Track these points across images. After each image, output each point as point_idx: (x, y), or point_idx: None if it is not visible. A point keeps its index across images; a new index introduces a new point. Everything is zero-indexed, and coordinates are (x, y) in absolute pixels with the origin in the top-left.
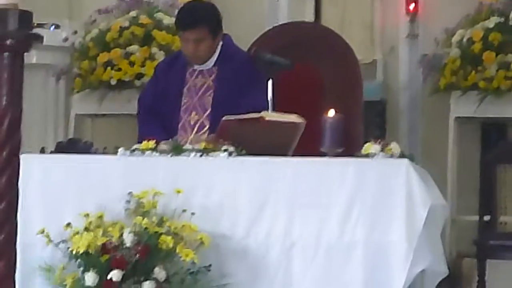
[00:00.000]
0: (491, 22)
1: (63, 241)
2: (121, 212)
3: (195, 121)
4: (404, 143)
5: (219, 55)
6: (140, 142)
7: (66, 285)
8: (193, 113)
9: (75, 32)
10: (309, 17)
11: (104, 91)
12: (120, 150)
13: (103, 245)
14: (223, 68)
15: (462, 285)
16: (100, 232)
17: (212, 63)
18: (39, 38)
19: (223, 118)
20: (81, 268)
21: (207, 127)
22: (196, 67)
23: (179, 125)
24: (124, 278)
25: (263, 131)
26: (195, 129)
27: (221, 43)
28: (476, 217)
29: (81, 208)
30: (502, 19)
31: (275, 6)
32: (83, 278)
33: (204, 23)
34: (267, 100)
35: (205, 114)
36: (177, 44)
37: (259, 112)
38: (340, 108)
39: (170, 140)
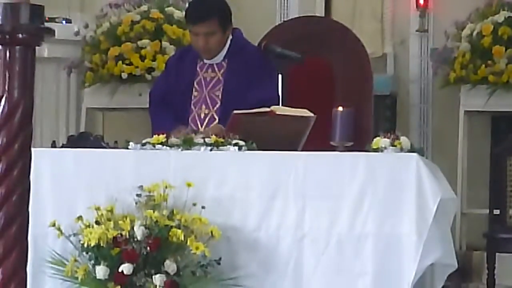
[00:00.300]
0: (501, 16)
1: (74, 234)
2: (132, 205)
3: (205, 114)
4: (414, 136)
5: (228, 49)
6: (154, 134)
7: (77, 277)
8: (203, 106)
9: (87, 26)
10: (320, 10)
11: (115, 85)
12: (131, 143)
13: (114, 238)
14: (233, 62)
15: (471, 278)
16: (111, 225)
17: (222, 57)
18: (51, 31)
19: (234, 112)
20: (92, 261)
21: (217, 121)
22: (206, 61)
23: (189, 118)
24: (135, 271)
25: (274, 125)
26: (205, 123)
27: (231, 37)
28: (486, 211)
29: (92, 201)
30: None
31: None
32: (94, 271)
33: (214, 17)
34: (277, 93)
35: (215, 108)
36: (187, 38)
37: (269, 104)
38: (350, 102)
39: (182, 129)
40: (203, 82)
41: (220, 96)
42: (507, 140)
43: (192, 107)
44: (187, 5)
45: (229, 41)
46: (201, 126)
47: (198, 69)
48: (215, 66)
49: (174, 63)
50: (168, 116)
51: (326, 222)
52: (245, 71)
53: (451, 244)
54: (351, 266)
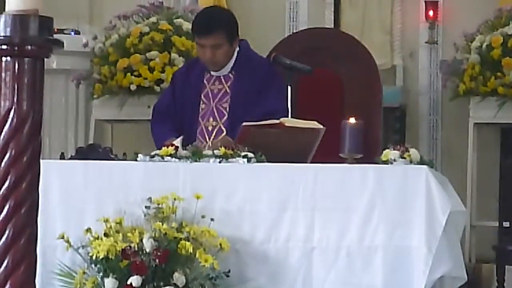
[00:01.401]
0: (510, 28)
1: (83, 246)
2: (140, 217)
3: (212, 126)
4: (423, 148)
5: (236, 61)
6: (156, 145)
7: None
8: (211, 119)
9: (95, 38)
10: (329, 22)
11: (124, 97)
12: (140, 155)
13: (123, 250)
14: (240, 74)
15: None
16: (120, 237)
17: (229, 69)
18: (60, 43)
19: (243, 124)
20: (101, 273)
21: (225, 133)
22: (213, 73)
23: (197, 131)
24: (143, 284)
25: (283, 137)
26: (213, 135)
27: (237, 48)
28: (496, 223)
29: (101, 213)
30: None
31: (295, 11)
32: (103, 283)
33: (220, 29)
34: (286, 104)
35: (223, 120)
36: (196, 50)
37: (278, 116)
38: (359, 114)
39: (174, 140)
40: (210, 95)
41: (227, 108)
42: None
43: (200, 119)
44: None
45: (236, 53)
46: (209, 139)
47: (205, 81)
48: (222, 78)
49: (180, 76)
50: (165, 128)
51: (335, 234)
52: (252, 83)
53: (461, 257)
54: (361, 279)
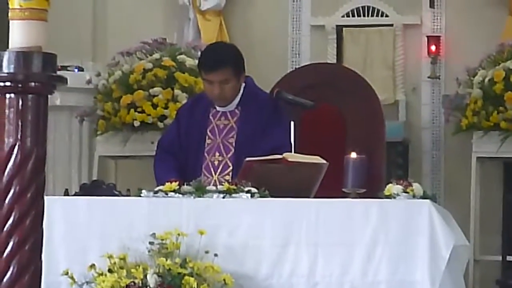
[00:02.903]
0: None
1: (87, 282)
2: (144, 253)
3: (218, 161)
4: (426, 183)
5: (241, 97)
6: (157, 182)
7: None
8: (217, 153)
9: (99, 74)
10: (331, 57)
11: (128, 133)
12: (144, 191)
13: (127, 286)
14: (246, 109)
15: None
16: (124, 273)
17: (235, 105)
18: (63, 80)
19: (246, 159)
20: None
21: (231, 168)
22: (219, 108)
23: (203, 166)
24: None
25: (286, 172)
26: (219, 170)
27: (243, 84)
28: (499, 257)
29: (104, 249)
30: None
31: (298, 47)
32: None
33: (228, 65)
34: (290, 140)
35: (229, 155)
36: (200, 86)
37: (282, 152)
38: (362, 149)
39: (193, 181)
40: (216, 130)
41: (233, 144)
42: None
43: (206, 154)
44: (199, 53)
45: (242, 89)
46: (215, 173)
47: (211, 117)
48: (228, 113)
49: (185, 112)
50: (167, 167)
51: (338, 269)
52: (258, 119)
53: None
54: None
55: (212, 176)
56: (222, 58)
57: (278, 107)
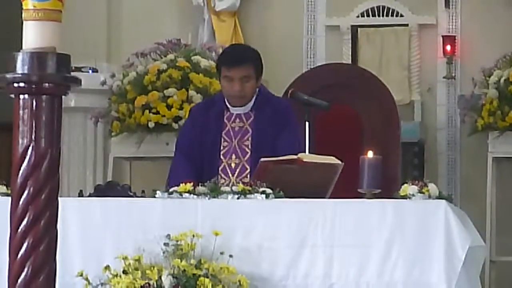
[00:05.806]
0: None
1: (102, 284)
2: (159, 254)
3: (235, 164)
4: (442, 183)
5: (256, 100)
6: (169, 183)
7: None
8: (233, 156)
9: (113, 76)
10: (347, 58)
11: (142, 134)
12: (158, 192)
13: (142, 287)
14: (260, 112)
15: None
16: (139, 274)
17: (250, 108)
18: (77, 81)
19: (261, 160)
20: None
21: (248, 170)
22: (233, 111)
23: (220, 169)
24: None
25: (301, 172)
26: (236, 172)
27: (257, 89)
28: None
29: (119, 250)
30: None
31: (313, 47)
32: None
33: (251, 62)
34: (304, 142)
35: (246, 158)
36: (214, 87)
37: (297, 152)
38: (377, 149)
39: (208, 182)
40: (231, 133)
41: (250, 146)
42: None
43: (222, 157)
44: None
45: (256, 92)
46: (232, 176)
47: (225, 120)
48: (243, 116)
49: (199, 114)
50: (183, 172)
51: (354, 270)
52: (273, 123)
53: None
54: None
55: (230, 179)
56: (246, 55)
57: (291, 110)
